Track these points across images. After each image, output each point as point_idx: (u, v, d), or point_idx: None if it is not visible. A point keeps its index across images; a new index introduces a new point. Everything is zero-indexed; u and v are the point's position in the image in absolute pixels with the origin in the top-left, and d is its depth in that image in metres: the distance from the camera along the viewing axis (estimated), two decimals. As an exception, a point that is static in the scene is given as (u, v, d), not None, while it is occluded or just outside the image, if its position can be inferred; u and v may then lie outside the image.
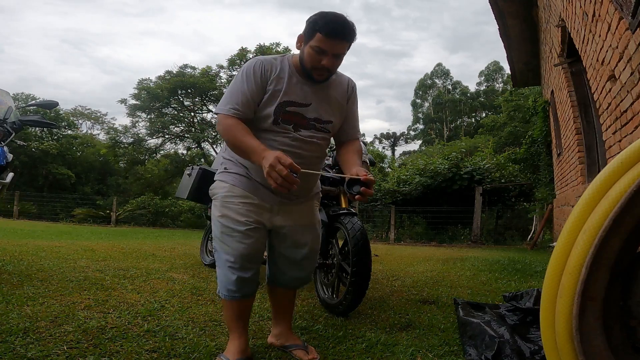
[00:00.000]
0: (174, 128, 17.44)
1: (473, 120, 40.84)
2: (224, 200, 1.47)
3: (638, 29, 2.12)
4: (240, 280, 1.45)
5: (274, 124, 1.42)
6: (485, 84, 42.85)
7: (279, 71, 1.45)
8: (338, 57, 1.42)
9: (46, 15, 69.01)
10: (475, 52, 73.47)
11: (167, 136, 17.67)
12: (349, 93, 1.59)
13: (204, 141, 17.41)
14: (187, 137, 17.45)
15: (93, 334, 1.57)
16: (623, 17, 2.31)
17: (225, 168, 1.53)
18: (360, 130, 1.64)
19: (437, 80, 46.09)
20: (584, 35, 3.30)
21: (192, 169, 3.51)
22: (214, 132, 16.43)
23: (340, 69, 1.54)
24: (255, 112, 1.43)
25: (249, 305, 1.56)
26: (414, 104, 46.76)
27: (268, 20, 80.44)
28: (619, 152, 0.93)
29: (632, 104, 2.39)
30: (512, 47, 7.26)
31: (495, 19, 6.51)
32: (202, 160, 17.86)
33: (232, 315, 1.50)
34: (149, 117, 17.07)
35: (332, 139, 1.66)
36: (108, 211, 12.96)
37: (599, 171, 2.73)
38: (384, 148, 41.59)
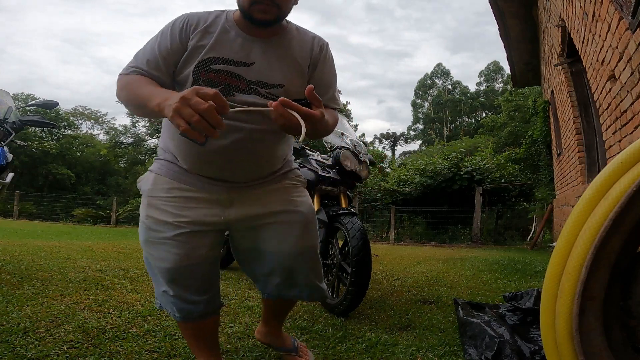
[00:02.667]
0: (174, 128, 17.46)
1: (473, 120, 40.89)
2: (149, 195, 1.11)
3: (638, 29, 2.12)
4: (181, 302, 1.11)
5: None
6: (485, 84, 42.92)
7: (208, 25, 1.08)
8: None
9: (48, 15, 69.20)
10: (477, 53, 73.71)
11: (167, 136, 17.68)
12: (315, 54, 1.16)
13: (204, 141, 17.43)
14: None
15: (93, 334, 1.57)
16: (623, 17, 2.31)
17: (156, 155, 1.21)
18: (341, 104, 1.23)
19: (437, 80, 46.18)
20: (584, 35, 3.30)
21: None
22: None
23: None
24: (171, 76, 1.07)
25: (210, 324, 1.21)
26: (414, 104, 46.84)
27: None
28: (619, 152, 0.93)
29: (632, 104, 2.39)
30: (512, 47, 7.26)
31: (496, 19, 6.51)
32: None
33: (189, 337, 1.23)
34: (149, 117, 17.08)
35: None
36: (108, 211, 12.96)
37: (599, 171, 2.74)
38: (384, 148, 41.62)
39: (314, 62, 1.17)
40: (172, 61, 1.05)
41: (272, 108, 0.86)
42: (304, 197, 1.22)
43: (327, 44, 1.21)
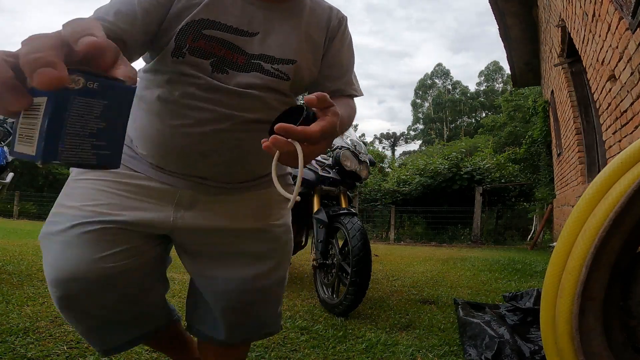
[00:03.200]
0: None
1: (473, 120, 40.95)
2: (72, 178, 0.83)
3: (638, 29, 2.12)
4: (84, 328, 0.79)
5: (173, 56, 0.75)
6: (485, 84, 42.98)
7: None
8: None
9: (48, 15, 69.33)
10: (477, 53, 73.86)
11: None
12: (332, 27, 0.91)
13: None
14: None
15: (93, 334, 1.57)
16: (623, 17, 2.31)
17: None
18: (360, 90, 0.97)
19: (437, 80, 46.25)
20: (584, 35, 3.30)
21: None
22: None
23: None
24: (148, 37, 0.74)
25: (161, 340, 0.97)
26: (414, 104, 46.93)
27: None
28: (619, 152, 0.93)
29: (632, 104, 2.39)
30: (512, 47, 7.27)
31: (496, 19, 6.52)
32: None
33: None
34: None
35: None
36: (108, 211, 12.94)
37: (599, 171, 2.74)
38: (384, 148, 41.69)
39: (331, 37, 0.91)
40: (155, 17, 0.74)
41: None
42: (284, 217, 0.93)
43: (347, 18, 0.95)
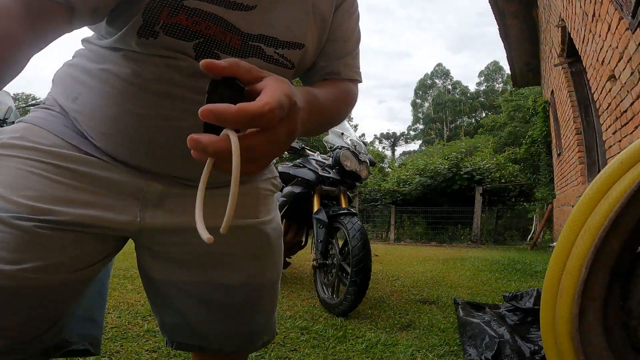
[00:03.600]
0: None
1: (473, 120, 40.98)
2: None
3: (638, 29, 2.12)
4: None
5: (141, 36, 0.53)
6: (485, 84, 43.03)
7: None
8: None
9: (46, 15, 69.48)
10: (477, 53, 73.96)
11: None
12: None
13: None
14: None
15: (93, 334, 1.57)
16: (623, 17, 2.31)
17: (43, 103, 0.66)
18: (361, 74, 0.77)
19: (437, 80, 46.29)
20: (584, 35, 3.30)
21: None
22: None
23: None
24: (104, 12, 0.52)
25: None
26: (414, 104, 46.96)
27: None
28: (619, 152, 0.93)
29: (632, 104, 2.39)
30: (512, 47, 7.27)
31: (496, 19, 6.53)
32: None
33: None
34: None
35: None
36: (108, 211, 12.93)
37: (599, 171, 2.74)
38: (384, 148, 41.71)
39: (337, 6, 0.72)
40: None
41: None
42: (272, 212, 0.76)
43: None
